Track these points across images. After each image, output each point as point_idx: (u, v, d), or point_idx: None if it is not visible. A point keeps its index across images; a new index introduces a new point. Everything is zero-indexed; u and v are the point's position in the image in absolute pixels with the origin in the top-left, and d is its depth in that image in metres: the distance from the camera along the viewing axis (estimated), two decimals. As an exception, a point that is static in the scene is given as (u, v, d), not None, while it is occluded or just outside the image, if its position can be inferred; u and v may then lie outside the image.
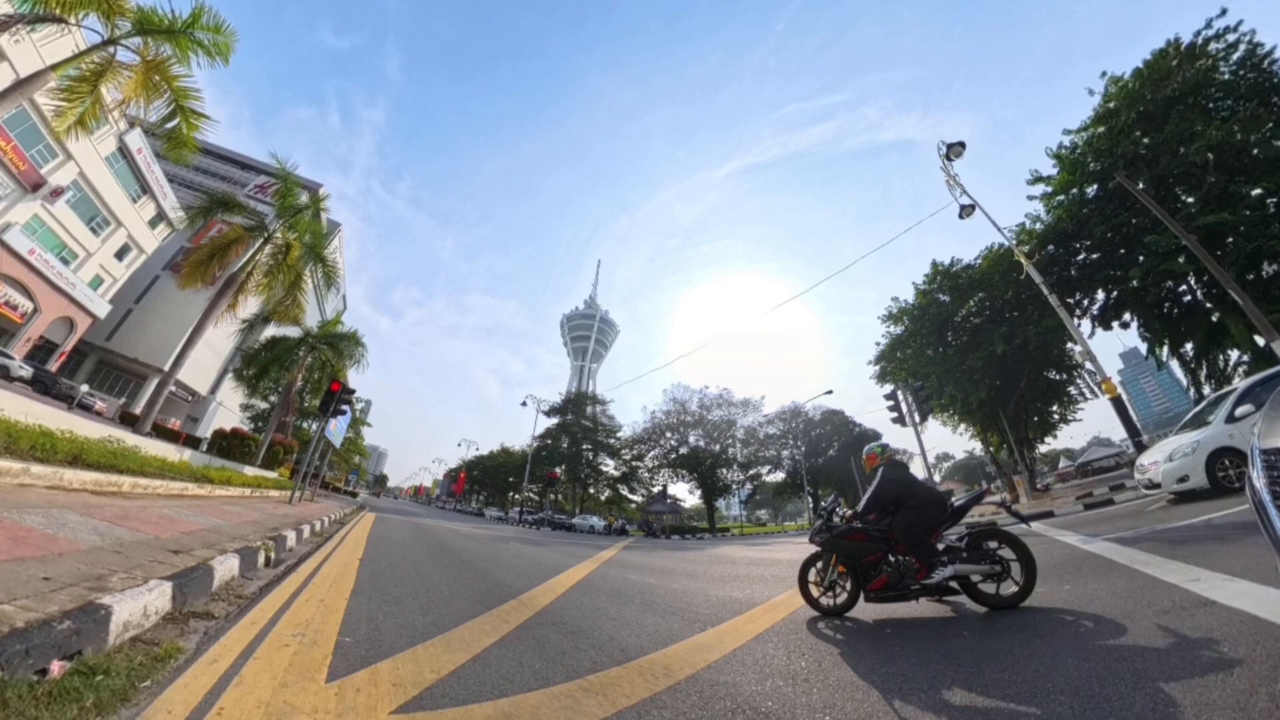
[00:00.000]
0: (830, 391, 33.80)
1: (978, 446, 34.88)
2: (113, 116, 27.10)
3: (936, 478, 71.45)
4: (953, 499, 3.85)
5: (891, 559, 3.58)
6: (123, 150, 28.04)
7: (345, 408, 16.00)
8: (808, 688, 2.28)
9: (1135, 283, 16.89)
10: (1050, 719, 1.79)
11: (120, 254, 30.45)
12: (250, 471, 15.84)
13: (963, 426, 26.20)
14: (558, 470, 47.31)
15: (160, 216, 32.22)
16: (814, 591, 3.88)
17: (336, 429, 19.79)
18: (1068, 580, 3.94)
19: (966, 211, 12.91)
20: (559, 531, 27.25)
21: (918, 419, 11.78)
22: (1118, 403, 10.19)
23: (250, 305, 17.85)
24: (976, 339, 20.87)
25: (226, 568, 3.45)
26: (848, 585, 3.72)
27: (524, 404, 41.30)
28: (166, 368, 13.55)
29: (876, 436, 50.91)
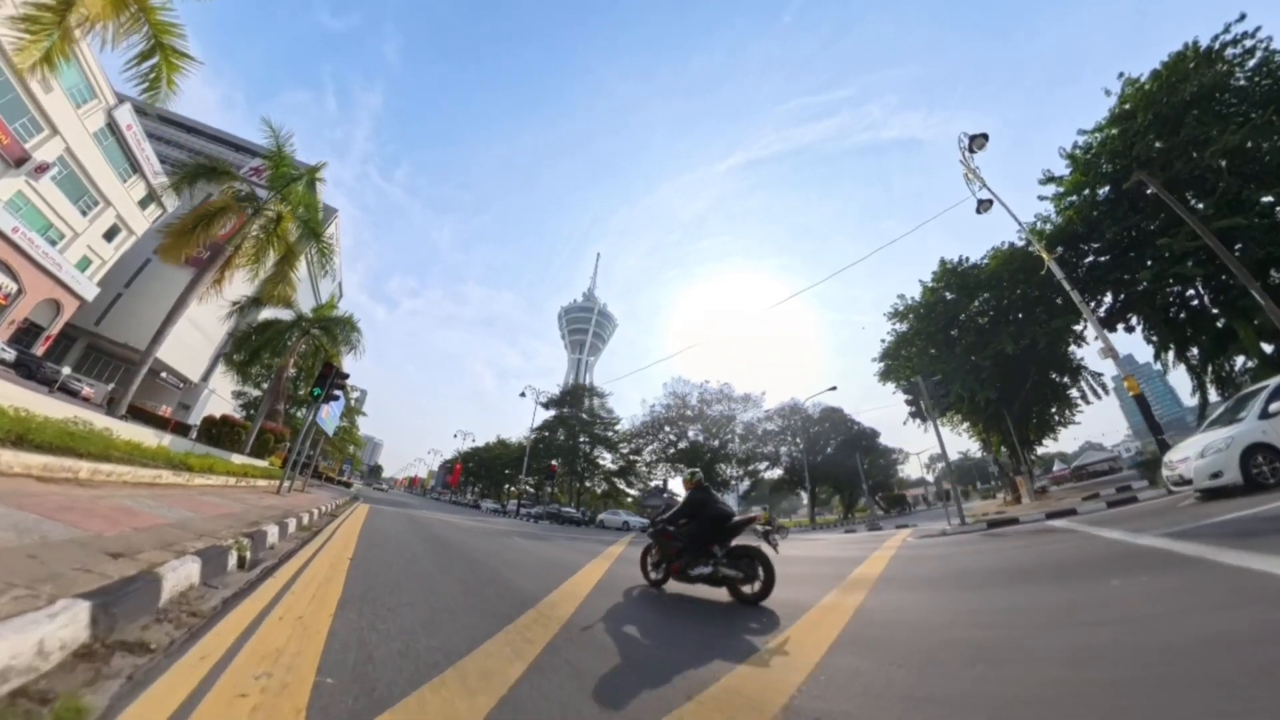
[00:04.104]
0: (834, 388, 33.82)
1: (972, 448, 35.01)
2: (101, 90, 26.04)
3: (929, 478, 71.94)
4: (734, 519, 4.87)
5: (684, 554, 4.83)
6: (111, 126, 27.11)
7: (339, 393, 15.45)
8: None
9: (1144, 285, 16.82)
10: None
11: (109, 235, 29.57)
12: (237, 459, 15.29)
13: (964, 426, 26.20)
14: (555, 463, 47.02)
15: (151, 197, 31.28)
16: (650, 571, 5.26)
17: (330, 416, 19.14)
18: (1115, 575, 3.82)
19: (985, 206, 12.71)
20: (555, 524, 26.91)
21: (936, 413, 11.58)
22: (1140, 400, 10.08)
23: (241, 287, 17.15)
24: (983, 338, 20.75)
25: (181, 575, 2.79)
26: (663, 568, 5.07)
27: (522, 395, 41.02)
28: (144, 346, 12.81)
29: (875, 434, 51.05)
